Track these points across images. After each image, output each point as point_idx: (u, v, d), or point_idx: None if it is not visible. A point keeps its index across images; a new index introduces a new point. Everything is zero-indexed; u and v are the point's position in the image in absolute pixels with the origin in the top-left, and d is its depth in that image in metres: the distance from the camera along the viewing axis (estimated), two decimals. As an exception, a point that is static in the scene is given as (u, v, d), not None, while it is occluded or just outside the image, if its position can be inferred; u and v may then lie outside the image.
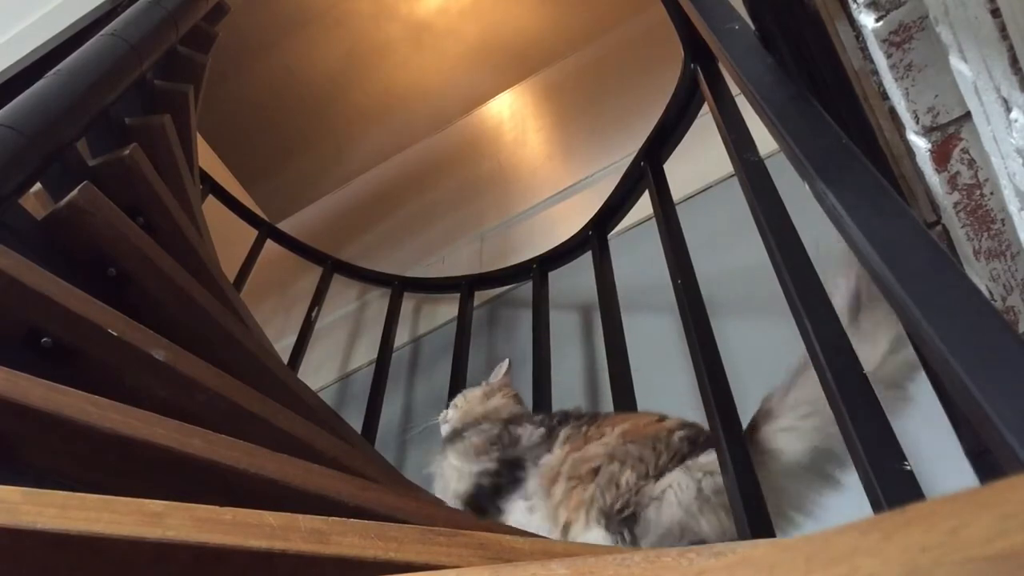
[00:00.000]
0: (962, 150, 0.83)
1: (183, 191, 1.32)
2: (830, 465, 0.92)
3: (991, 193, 0.85)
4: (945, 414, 1.05)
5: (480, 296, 2.17)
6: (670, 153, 1.55)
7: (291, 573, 0.47)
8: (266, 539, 0.46)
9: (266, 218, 2.72)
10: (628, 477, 0.99)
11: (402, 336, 2.21)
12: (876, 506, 0.64)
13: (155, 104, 1.45)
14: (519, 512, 1.11)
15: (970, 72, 0.72)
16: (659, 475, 0.98)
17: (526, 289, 2.00)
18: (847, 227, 0.62)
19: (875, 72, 0.86)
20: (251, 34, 3.53)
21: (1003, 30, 0.60)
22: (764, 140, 0.93)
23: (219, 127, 3.48)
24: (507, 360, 1.50)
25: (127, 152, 1.09)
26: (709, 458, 0.97)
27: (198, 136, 1.88)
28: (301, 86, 3.79)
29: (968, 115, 0.80)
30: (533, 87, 3.62)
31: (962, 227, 0.87)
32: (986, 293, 0.90)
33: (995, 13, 0.60)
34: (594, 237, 1.81)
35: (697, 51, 1.26)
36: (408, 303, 2.35)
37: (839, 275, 0.89)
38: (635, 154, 1.62)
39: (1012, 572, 0.17)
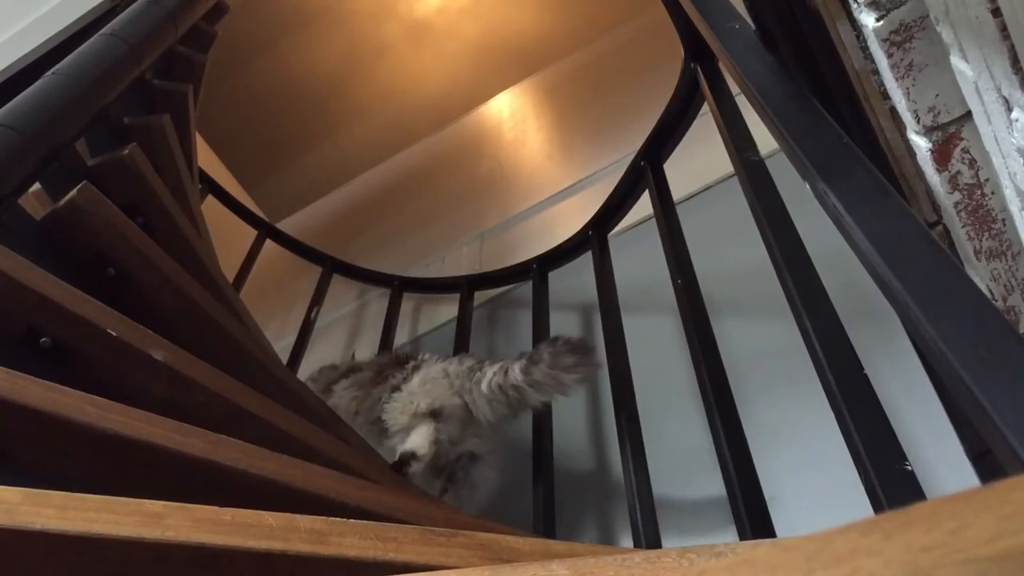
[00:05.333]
0: (963, 150, 0.83)
1: (182, 191, 1.32)
2: None
3: (992, 193, 0.85)
4: (946, 414, 1.05)
5: (480, 296, 2.17)
6: (670, 153, 1.54)
7: (290, 573, 0.46)
8: (266, 539, 0.46)
9: (265, 218, 2.72)
10: None
11: (402, 336, 2.21)
12: (877, 506, 0.64)
13: (154, 104, 1.45)
14: None
15: (971, 72, 0.72)
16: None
17: (526, 289, 2.00)
18: (847, 227, 0.62)
19: (876, 72, 0.86)
20: (250, 34, 3.53)
21: (1004, 30, 0.60)
22: (764, 140, 0.93)
23: (219, 127, 3.48)
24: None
25: (126, 152, 1.09)
26: None
27: (197, 136, 1.88)
28: (300, 85, 3.79)
29: (969, 115, 0.80)
30: (533, 87, 3.62)
31: (963, 227, 0.87)
32: (987, 293, 0.90)
33: (996, 13, 0.60)
34: (594, 237, 1.81)
35: (697, 50, 1.26)
36: (408, 303, 2.35)
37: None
38: (635, 154, 1.62)
39: (1013, 572, 0.17)
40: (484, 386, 1.31)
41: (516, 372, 1.28)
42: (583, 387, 1.69)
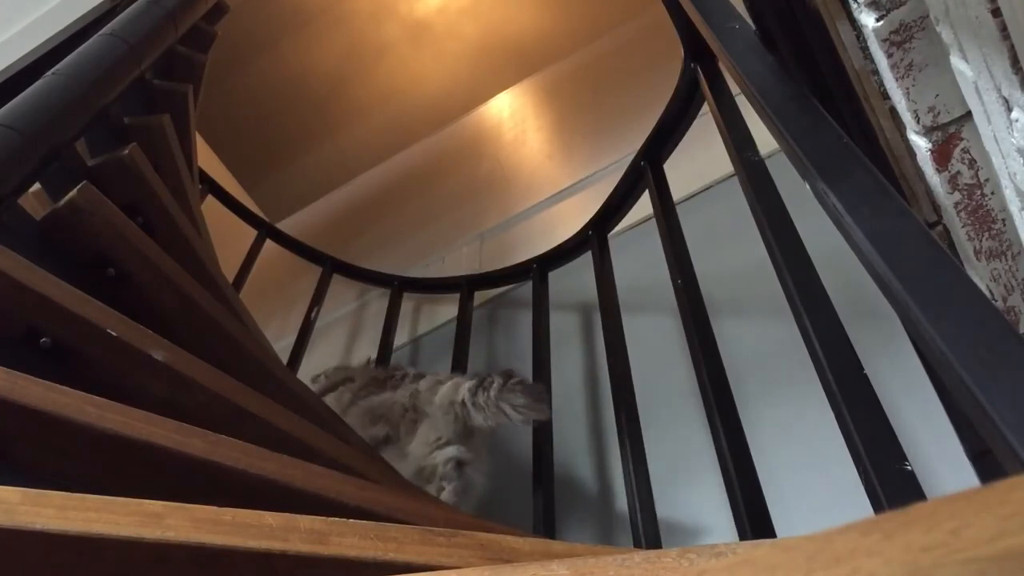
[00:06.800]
0: (963, 150, 0.83)
1: (182, 191, 1.32)
2: None
3: (992, 193, 0.85)
4: (946, 414, 1.05)
5: (480, 296, 2.17)
6: (670, 153, 1.54)
7: (290, 573, 0.46)
8: (266, 540, 0.46)
9: (265, 218, 2.72)
10: None
11: (402, 336, 2.21)
12: (877, 506, 0.64)
13: (154, 104, 1.45)
14: None
15: (971, 72, 0.72)
16: None
17: (526, 289, 2.00)
18: (847, 227, 0.62)
19: (876, 72, 0.86)
20: (250, 34, 3.53)
21: (1004, 30, 0.60)
22: (764, 140, 0.93)
23: (218, 127, 3.48)
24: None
25: (126, 152, 1.09)
26: None
27: (197, 136, 1.88)
28: (300, 85, 3.79)
29: (969, 115, 0.80)
30: (533, 87, 3.62)
31: (963, 227, 0.87)
32: (987, 293, 0.90)
33: (996, 13, 0.60)
34: (594, 237, 1.81)
35: (697, 50, 1.26)
36: (408, 303, 2.35)
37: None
38: (635, 154, 1.62)
39: (1013, 572, 0.17)
40: (437, 398, 1.41)
41: (464, 390, 1.36)
42: (582, 387, 1.70)
